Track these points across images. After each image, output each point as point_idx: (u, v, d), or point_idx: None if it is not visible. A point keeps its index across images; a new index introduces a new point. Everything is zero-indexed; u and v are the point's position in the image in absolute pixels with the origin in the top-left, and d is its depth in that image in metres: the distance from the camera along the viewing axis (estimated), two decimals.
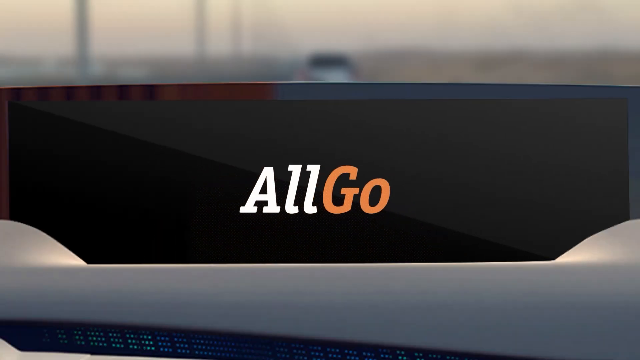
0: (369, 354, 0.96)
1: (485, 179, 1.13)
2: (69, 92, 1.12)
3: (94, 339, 0.94)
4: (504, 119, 1.13)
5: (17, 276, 0.97)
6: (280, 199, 1.13)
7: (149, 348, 0.94)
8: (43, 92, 1.12)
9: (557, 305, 0.96)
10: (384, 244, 1.12)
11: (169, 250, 1.13)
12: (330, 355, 0.95)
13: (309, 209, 1.12)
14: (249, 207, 1.12)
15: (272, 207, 1.12)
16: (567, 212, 1.12)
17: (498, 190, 1.13)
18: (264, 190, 1.12)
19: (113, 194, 1.13)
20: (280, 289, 0.97)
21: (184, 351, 0.95)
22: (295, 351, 0.95)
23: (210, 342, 0.96)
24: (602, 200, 1.12)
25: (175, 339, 0.96)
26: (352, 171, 1.12)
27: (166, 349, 0.95)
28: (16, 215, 1.12)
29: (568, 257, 1.04)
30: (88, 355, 0.94)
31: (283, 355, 0.96)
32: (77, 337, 0.94)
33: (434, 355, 0.95)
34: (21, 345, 0.95)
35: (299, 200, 1.13)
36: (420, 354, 0.95)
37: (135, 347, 0.95)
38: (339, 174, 1.12)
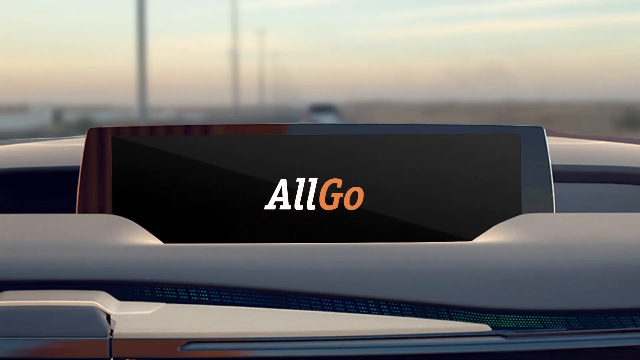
0: (352, 304, 0.96)
1: (428, 186, 1.17)
2: (152, 129, 1.17)
3: (168, 292, 0.95)
4: (439, 146, 1.17)
5: (116, 250, 0.97)
6: (291, 200, 1.17)
7: (204, 298, 0.95)
8: (134, 129, 1.17)
9: (473, 264, 0.96)
10: (359, 230, 1.17)
11: (216, 234, 1.17)
12: (325, 303, 0.95)
13: (310, 206, 1.17)
14: (270, 205, 1.17)
15: (286, 205, 1.17)
16: (482, 209, 1.16)
17: (436, 195, 1.17)
18: (280, 194, 1.17)
19: (179, 196, 1.17)
20: (292, 258, 0.97)
21: (227, 300, 0.95)
22: (303, 300, 0.95)
23: (242, 294, 0.95)
24: (505, 202, 1.17)
25: (222, 292, 0.95)
26: (339, 182, 1.17)
27: (215, 299, 0.95)
28: (116, 211, 1.17)
29: (483, 238, 1.02)
30: (164, 304, 0.96)
31: (293, 303, 0.96)
32: (156, 291, 0.95)
33: (395, 304, 0.95)
34: (119, 296, 0.96)
35: (304, 201, 1.17)
36: (383, 304, 0.95)
37: (194, 297, 0.95)
38: (330, 184, 1.17)
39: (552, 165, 1.27)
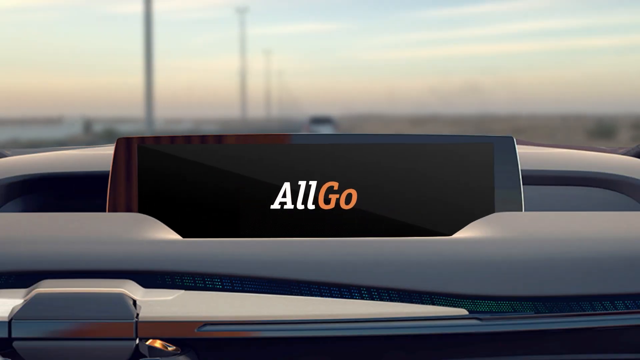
0: (346, 290, 0.96)
1: (413, 188, 1.17)
2: (172, 138, 1.18)
3: (186, 280, 0.95)
4: (423, 154, 1.17)
5: (141, 244, 0.97)
6: (294, 201, 1.16)
7: (218, 286, 0.95)
8: (157, 139, 1.17)
9: (452, 256, 0.97)
10: (354, 226, 1.17)
11: (228, 230, 1.17)
12: (323, 290, 0.95)
13: (310, 206, 1.16)
14: (275, 205, 1.16)
15: (289, 205, 1.16)
16: (460, 208, 1.16)
17: (420, 195, 1.16)
18: (284, 195, 1.16)
19: (196, 197, 1.16)
20: (294, 251, 0.97)
21: (238, 288, 0.95)
22: (304, 287, 0.96)
23: (251, 282, 0.95)
24: (480, 202, 1.17)
25: (233, 280, 0.95)
26: (335, 184, 1.17)
27: (227, 286, 0.95)
28: (142, 210, 1.17)
29: (461, 234, 1.02)
30: (183, 290, 0.95)
31: (295, 290, 0.96)
32: (176, 279, 0.95)
33: (386, 292, 0.96)
34: (144, 284, 0.96)
35: (305, 201, 1.16)
36: (375, 291, 0.96)
37: (209, 285, 0.95)
38: (328, 186, 1.17)
39: (522, 170, 1.27)
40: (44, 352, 0.91)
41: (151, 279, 0.95)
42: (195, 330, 0.94)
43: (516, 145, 1.21)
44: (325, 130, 30.91)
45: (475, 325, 0.95)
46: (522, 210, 1.16)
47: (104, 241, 0.97)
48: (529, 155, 1.33)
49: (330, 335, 0.94)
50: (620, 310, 0.95)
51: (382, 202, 1.16)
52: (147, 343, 0.96)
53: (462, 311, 0.95)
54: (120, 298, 0.92)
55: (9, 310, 0.92)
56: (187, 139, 1.17)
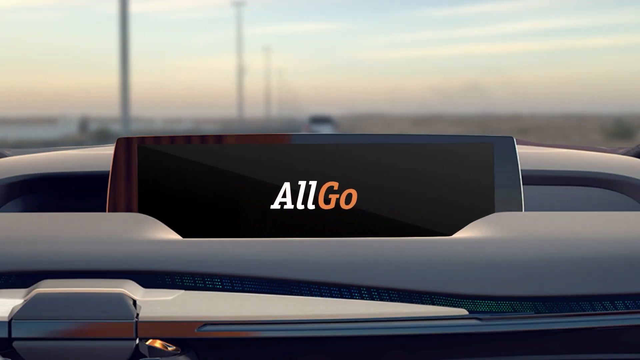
0: (346, 290, 0.96)
1: (414, 188, 1.17)
2: (172, 138, 1.18)
3: (186, 280, 0.95)
4: (423, 153, 1.17)
5: (141, 244, 0.97)
6: (294, 201, 1.16)
7: (218, 286, 0.95)
8: (157, 139, 1.18)
9: (452, 256, 0.97)
10: (354, 227, 1.17)
11: (228, 230, 1.17)
12: (323, 290, 0.96)
13: (310, 206, 1.17)
14: (275, 205, 1.17)
15: (289, 205, 1.17)
16: (460, 208, 1.17)
17: (421, 195, 1.17)
18: (284, 195, 1.17)
19: (196, 197, 1.17)
20: (294, 251, 0.97)
21: (237, 288, 0.95)
22: (303, 287, 0.96)
23: (251, 282, 0.95)
24: (480, 202, 1.17)
25: (233, 280, 0.95)
26: (335, 184, 1.17)
27: (227, 286, 0.95)
28: (141, 210, 1.17)
29: (461, 234, 1.02)
30: (183, 290, 0.95)
31: (295, 290, 0.96)
32: (176, 279, 0.95)
33: (384, 291, 0.96)
34: (144, 284, 0.96)
35: (305, 201, 1.16)
36: (375, 290, 0.96)
37: (209, 285, 0.95)
38: (328, 186, 1.17)
39: (522, 170, 1.27)
40: (44, 352, 0.91)
41: (151, 279, 0.95)
42: (195, 330, 0.93)
43: (516, 145, 1.22)
44: (325, 129, 30.96)
45: (475, 325, 0.95)
46: (522, 210, 1.16)
47: (104, 241, 0.97)
48: (529, 155, 1.33)
49: (330, 335, 0.94)
50: (620, 310, 0.95)
51: (382, 202, 1.16)
52: (147, 343, 0.96)
53: (462, 311, 0.95)
54: (120, 298, 0.92)
55: (9, 310, 0.92)
56: (187, 139, 1.17)
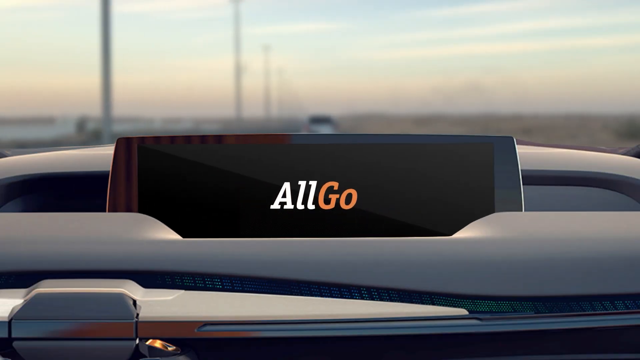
0: (346, 290, 0.96)
1: (414, 188, 1.17)
2: (172, 138, 1.18)
3: (186, 280, 0.96)
4: (423, 153, 1.18)
5: (141, 244, 0.98)
6: (294, 201, 1.17)
7: (218, 286, 0.95)
8: (157, 139, 1.18)
9: (452, 256, 0.97)
10: (354, 227, 1.17)
11: (228, 230, 1.17)
12: (323, 290, 0.96)
13: (310, 206, 1.17)
14: (275, 205, 1.17)
15: (289, 205, 1.17)
16: (460, 208, 1.17)
17: (421, 195, 1.17)
18: (284, 195, 1.17)
19: (197, 197, 1.17)
20: (294, 251, 0.97)
21: (237, 288, 0.95)
22: (303, 287, 0.96)
23: (251, 282, 0.96)
24: (480, 202, 1.17)
25: (233, 280, 0.96)
26: (335, 184, 1.17)
27: (227, 287, 0.95)
28: (142, 210, 1.18)
29: (461, 234, 1.02)
30: (183, 290, 0.95)
31: (295, 290, 0.96)
32: (176, 279, 0.95)
33: (384, 291, 0.96)
34: (144, 284, 0.96)
35: (304, 201, 1.17)
36: (375, 290, 0.96)
37: (209, 285, 0.95)
38: (328, 186, 1.17)
39: (522, 170, 1.28)
40: (44, 352, 0.91)
41: (151, 279, 0.95)
42: (195, 330, 0.94)
43: (516, 145, 1.22)
44: (324, 129, 31.06)
45: (475, 325, 0.95)
46: (522, 210, 1.16)
47: (104, 241, 0.97)
48: (529, 155, 1.33)
49: (330, 335, 0.94)
50: (620, 310, 0.95)
51: (382, 202, 1.16)
52: (147, 343, 0.96)
53: (462, 311, 0.95)
54: (120, 298, 0.92)
55: (9, 310, 0.92)
56: (187, 139, 1.17)
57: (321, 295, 0.95)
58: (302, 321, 0.94)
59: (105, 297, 0.92)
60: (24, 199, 1.29)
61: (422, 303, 0.95)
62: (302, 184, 1.17)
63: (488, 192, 1.17)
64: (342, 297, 0.95)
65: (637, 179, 1.26)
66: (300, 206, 1.16)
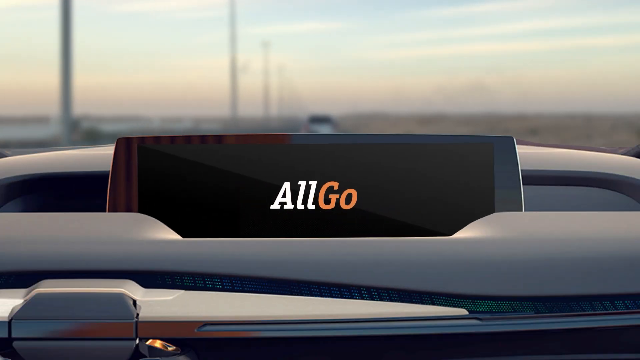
0: (346, 290, 0.96)
1: (414, 188, 1.17)
2: (172, 138, 1.18)
3: (186, 280, 0.96)
4: (424, 153, 1.18)
5: (141, 244, 0.98)
6: (294, 201, 1.17)
7: (218, 286, 0.95)
8: (157, 139, 1.18)
9: (452, 256, 0.97)
10: (354, 227, 1.17)
11: (228, 230, 1.17)
12: (323, 290, 0.96)
13: (310, 206, 1.17)
14: (275, 205, 1.17)
15: (289, 205, 1.17)
16: (460, 208, 1.17)
17: (421, 195, 1.17)
18: (284, 195, 1.17)
19: (197, 197, 1.17)
20: (294, 251, 0.97)
21: (237, 288, 0.95)
22: (303, 287, 0.96)
23: (251, 282, 0.96)
24: (480, 202, 1.17)
25: (233, 280, 0.96)
26: (335, 184, 1.18)
27: (227, 287, 0.95)
28: (142, 210, 1.18)
29: (461, 234, 1.02)
30: (183, 290, 0.95)
31: (295, 290, 0.96)
32: (176, 279, 0.95)
33: (384, 291, 0.96)
34: (144, 284, 0.96)
35: (304, 201, 1.17)
36: (375, 290, 0.96)
37: (209, 285, 0.95)
38: (328, 186, 1.18)
39: (522, 170, 1.28)
40: (44, 352, 0.91)
41: (151, 279, 0.95)
42: (195, 330, 0.94)
43: (516, 145, 1.22)
44: (324, 129, 31.08)
45: (475, 325, 0.95)
46: (522, 210, 1.16)
47: (104, 241, 0.97)
48: (529, 155, 1.32)
49: (330, 335, 0.94)
50: (620, 310, 0.95)
51: (382, 202, 1.16)
52: (147, 343, 0.96)
53: (462, 311, 0.95)
54: (120, 298, 0.92)
55: (9, 310, 0.92)
56: (187, 139, 1.17)
57: (321, 295, 0.95)
58: (302, 321, 0.94)
59: (105, 297, 0.92)
60: (24, 199, 1.29)
61: (422, 303, 0.95)
62: (302, 184, 1.17)
63: (488, 192, 1.17)
64: (342, 297, 0.95)
65: (637, 179, 1.25)
66: (300, 206, 1.17)
